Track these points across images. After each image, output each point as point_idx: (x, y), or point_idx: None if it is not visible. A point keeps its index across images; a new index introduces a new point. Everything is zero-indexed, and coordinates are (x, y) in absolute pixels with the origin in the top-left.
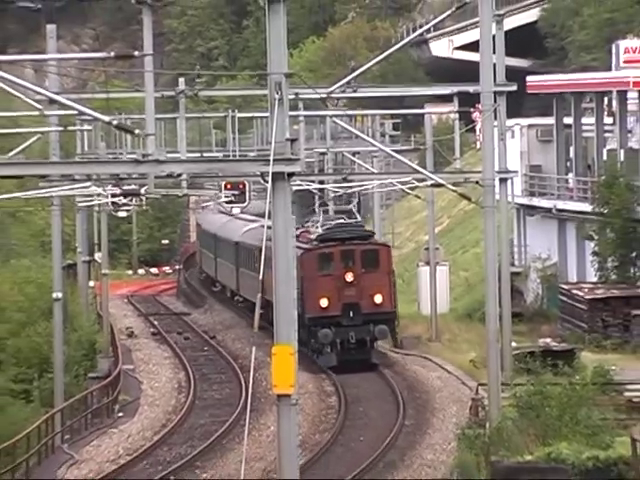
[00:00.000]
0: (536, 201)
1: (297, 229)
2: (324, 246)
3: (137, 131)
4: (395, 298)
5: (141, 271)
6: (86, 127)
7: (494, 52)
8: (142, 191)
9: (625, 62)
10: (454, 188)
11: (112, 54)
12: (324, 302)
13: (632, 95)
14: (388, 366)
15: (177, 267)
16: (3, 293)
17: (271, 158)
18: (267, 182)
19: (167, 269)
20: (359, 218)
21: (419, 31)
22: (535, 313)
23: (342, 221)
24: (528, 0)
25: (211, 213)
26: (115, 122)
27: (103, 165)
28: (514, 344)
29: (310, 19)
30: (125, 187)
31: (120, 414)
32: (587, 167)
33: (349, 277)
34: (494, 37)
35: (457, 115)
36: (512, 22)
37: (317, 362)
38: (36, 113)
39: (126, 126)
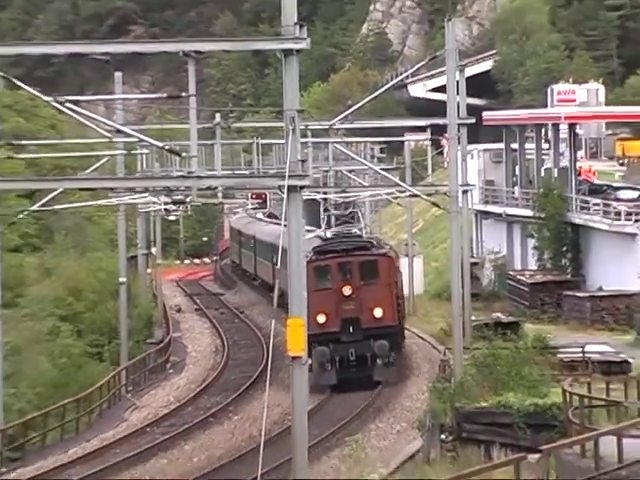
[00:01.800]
0: (490, 208)
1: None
2: (321, 259)
3: (183, 154)
4: (400, 310)
5: (187, 261)
6: (144, 151)
7: (458, 93)
8: (187, 200)
9: (558, 101)
10: (427, 198)
11: (165, 95)
12: (321, 318)
13: (563, 127)
14: None
15: (214, 258)
16: (81, 279)
17: (286, 175)
18: (283, 193)
19: (206, 260)
20: (362, 224)
21: (400, 77)
22: (489, 294)
23: (340, 231)
24: (483, 54)
25: (239, 216)
26: (167, 147)
27: (157, 180)
28: (473, 317)
29: (316, 68)
30: (174, 197)
31: (171, 371)
32: (529, 182)
33: (347, 290)
34: (458, 82)
35: (429, 142)
36: (471, 71)
37: (317, 381)
38: (106, 140)
39: (175, 150)
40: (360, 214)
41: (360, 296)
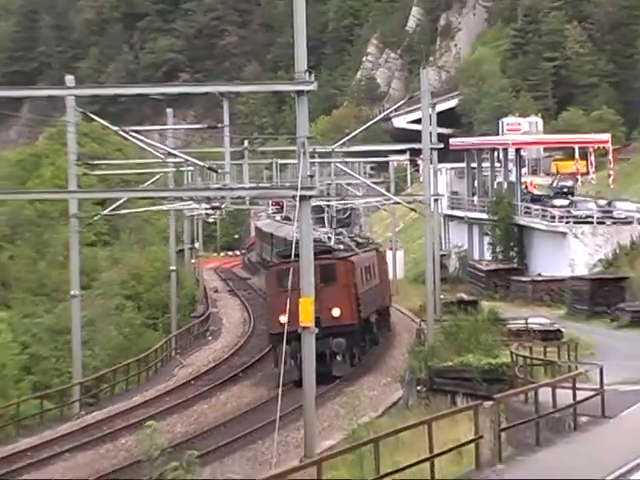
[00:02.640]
0: (455, 212)
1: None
2: (283, 262)
3: (219, 171)
4: (360, 311)
5: (222, 254)
6: (189, 168)
7: (430, 125)
8: (222, 206)
9: (507, 131)
10: (407, 204)
11: (205, 126)
12: (283, 318)
13: (511, 150)
14: None
15: (242, 251)
16: (141, 267)
17: (299, 187)
18: (296, 201)
19: (237, 252)
20: (357, 225)
21: (385, 112)
22: (454, 278)
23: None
24: (450, 94)
25: (262, 219)
26: (207, 166)
27: (199, 191)
28: (442, 296)
29: (322, 105)
30: (212, 204)
31: (210, 337)
32: (485, 192)
33: None
34: (430, 116)
35: (408, 161)
36: (440, 107)
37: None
38: (160, 160)
39: (213, 168)
40: (355, 217)
41: (320, 297)
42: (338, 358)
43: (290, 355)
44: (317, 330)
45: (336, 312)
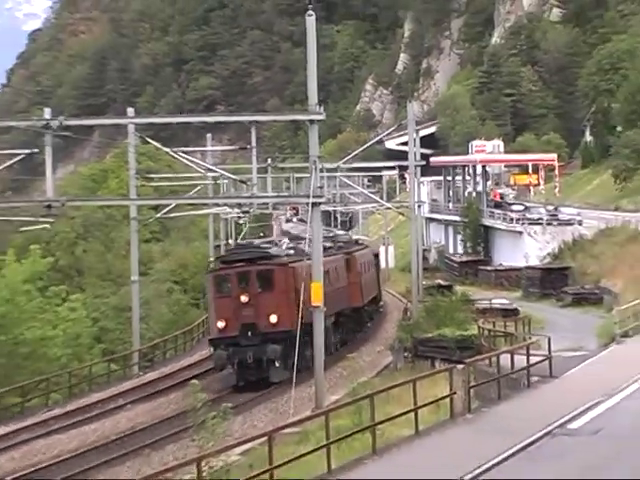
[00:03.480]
0: (434, 216)
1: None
2: (222, 268)
3: (248, 182)
4: (303, 316)
5: None
6: (225, 181)
7: (415, 146)
8: (251, 210)
9: (475, 152)
10: (396, 210)
11: (237, 147)
12: (221, 323)
13: (478, 167)
14: None
15: None
16: (187, 258)
17: (311, 195)
18: (309, 207)
19: None
20: (357, 226)
21: (379, 137)
22: (433, 268)
23: (244, 243)
24: (430, 122)
25: (282, 220)
26: (238, 179)
27: (232, 198)
28: (424, 282)
29: (329, 131)
30: (243, 209)
31: None
32: (457, 200)
33: (244, 298)
34: (415, 139)
35: (397, 175)
36: (423, 132)
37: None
38: (201, 174)
39: (243, 180)
40: (355, 219)
41: (258, 303)
42: (276, 364)
43: (229, 360)
44: (254, 336)
45: (273, 318)
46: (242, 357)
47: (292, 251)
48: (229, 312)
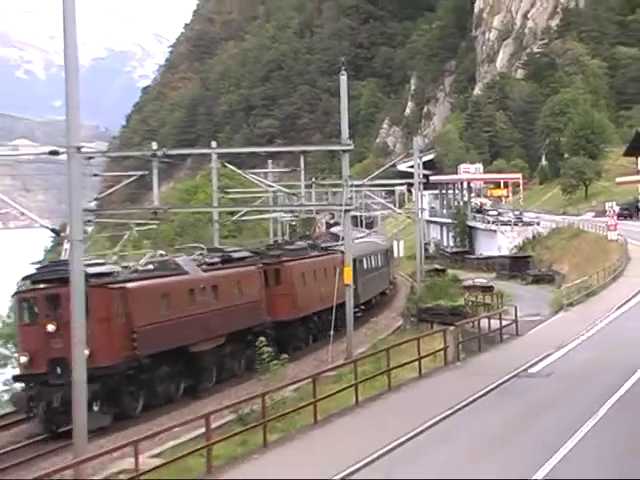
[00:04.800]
0: (433, 219)
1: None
2: (28, 290)
3: (297, 195)
4: (135, 347)
5: None
6: (281, 194)
7: (419, 168)
8: (299, 215)
9: (463, 172)
10: (405, 214)
11: (290, 170)
12: (24, 358)
13: (465, 183)
14: None
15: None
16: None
17: (343, 204)
18: (342, 212)
19: None
20: (377, 227)
21: (392, 162)
22: (432, 257)
23: (58, 259)
24: (430, 151)
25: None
26: (291, 192)
27: (286, 206)
28: (425, 267)
29: (356, 158)
30: (294, 214)
31: None
32: (449, 207)
33: (51, 327)
34: (419, 164)
35: (406, 189)
36: (425, 158)
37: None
38: (264, 189)
39: (294, 193)
40: (375, 222)
41: (69, 333)
42: (94, 407)
43: (31, 402)
44: (64, 374)
45: (86, 352)
46: (48, 399)
47: (151, 265)
48: (35, 344)
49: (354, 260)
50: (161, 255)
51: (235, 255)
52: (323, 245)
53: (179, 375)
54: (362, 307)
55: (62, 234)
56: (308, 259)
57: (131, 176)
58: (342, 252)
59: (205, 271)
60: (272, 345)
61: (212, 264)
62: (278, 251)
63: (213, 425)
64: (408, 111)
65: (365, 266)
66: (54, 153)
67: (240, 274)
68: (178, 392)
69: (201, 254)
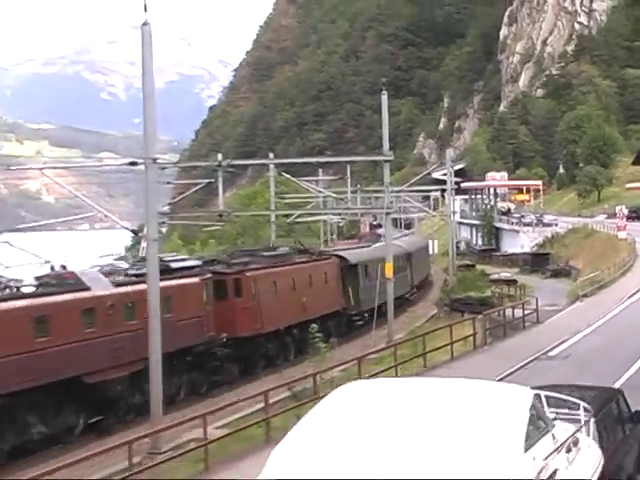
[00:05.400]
0: (464, 221)
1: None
2: None
3: (344, 200)
4: None
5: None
6: (330, 199)
7: (451, 176)
8: (346, 217)
9: (489, 179)
10: (439, 216)
11: (338, 177)
12: None
13: (492, 189)
14: None
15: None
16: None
17: (385, 208)
18: (384, 215)
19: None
20: (414, 228)
21: (428, 171)
22: (463, 253)
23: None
24: (461, 161)
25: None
26: (339, 197)
27: (335, 210)
28: (457, 262)
29: (396, 166)
30: (341, 216)
31: None
32: (478, 210)
33: None
34: (452, 172)
35: (440, 195)
36: (456, 167)
37: None
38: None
39: (342, 198)
40: (413, 224)
41: None
42: None
43: None
44: None
45: None
46: None
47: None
48: None
49: (409, 253)
50: (63, 267)
51: (177, 265)
52: (318, 250)
53: (76, 410)
54: (415, 289)
55: (140, 234)
56: (285, 266)
57: (199, 184)
58: (339, 257)
59: (123, 285)
60: (227, 364)
61: (139, 275)
62: (244, 259)
63: (271, 400)
64: (441, 126)
65: (415, 258)
66: (133, 164)
67: (172, 287)
68: (77, 428)
69: (136, 264)
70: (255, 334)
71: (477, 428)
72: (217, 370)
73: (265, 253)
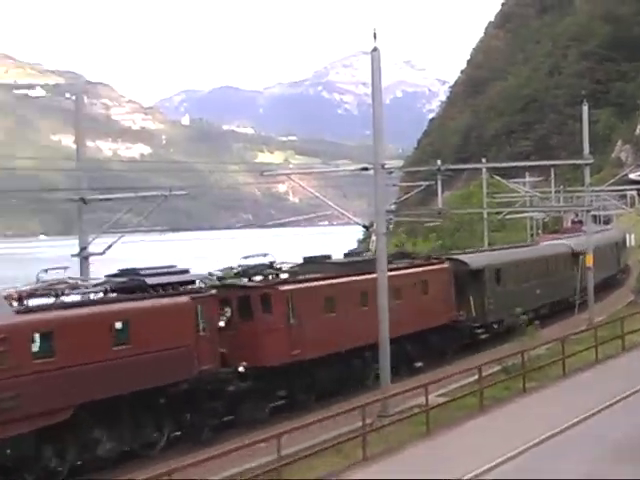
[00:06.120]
0: None
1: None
2: None
3: (548, 199)
4: None
5: None
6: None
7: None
8: (550, 215)
9: None
10: (636, 213)
11: (542, 179)
12: None
13: None
14: None
15: None
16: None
17: (585, 205)
18: (584, 212)
19: None
20: (611, 224)
21: (625, 172)
22: None
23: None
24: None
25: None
26: (543, 197)
27: (538, 207)
28: None
29: (595, 169)
30: (545, 213)
31: None
32: None
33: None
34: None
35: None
36: None
37: None
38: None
39: (546, 197)
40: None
41: None
42: None
43: None
44: None
45: None
46: None
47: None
48: None
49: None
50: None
51: (159, 281)
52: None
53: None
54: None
55: (370, 229)
56: (357, 276)
57: (421, 186)
58: (457, 261)
59: (64, 308)
60: (222, 407)
61: (107, 293)
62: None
63: (484, 374)
64: (637, 132)
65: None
66: (365, 169)
67: (140, 310)
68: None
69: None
70: (288, 362)
71: None
72: (231, 409)
73: (338, 260)
